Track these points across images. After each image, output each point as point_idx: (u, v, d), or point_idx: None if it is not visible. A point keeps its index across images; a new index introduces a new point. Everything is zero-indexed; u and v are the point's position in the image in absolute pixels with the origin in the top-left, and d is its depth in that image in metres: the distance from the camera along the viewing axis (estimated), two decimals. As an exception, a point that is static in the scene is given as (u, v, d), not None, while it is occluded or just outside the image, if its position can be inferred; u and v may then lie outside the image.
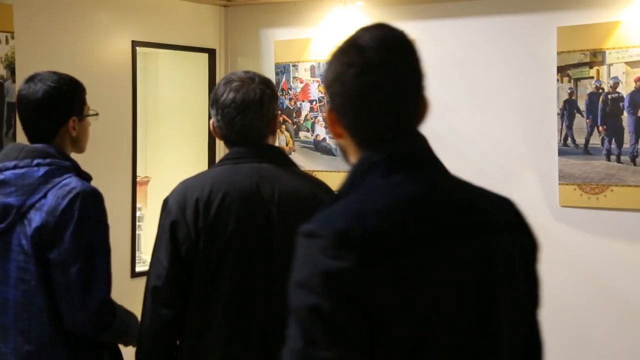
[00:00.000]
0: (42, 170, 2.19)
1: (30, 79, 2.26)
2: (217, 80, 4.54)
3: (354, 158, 1.32)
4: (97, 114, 2.37)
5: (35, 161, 2.20)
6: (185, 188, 2.05)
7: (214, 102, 2.11)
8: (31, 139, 2.28)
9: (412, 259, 1.18)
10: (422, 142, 1.33)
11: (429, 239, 1.21)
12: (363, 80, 1.26)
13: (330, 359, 1.12)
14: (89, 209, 2.18)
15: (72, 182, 2.19)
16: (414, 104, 1.32)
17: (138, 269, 4.24)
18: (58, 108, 2.26)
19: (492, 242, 1.28)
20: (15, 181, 2.19)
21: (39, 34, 3.69)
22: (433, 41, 3.97)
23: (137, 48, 4.23)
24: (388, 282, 1.15)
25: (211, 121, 2.16)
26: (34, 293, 2.17)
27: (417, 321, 1.17)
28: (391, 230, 1.17)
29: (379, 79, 1.26)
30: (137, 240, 4.30)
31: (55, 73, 2.28)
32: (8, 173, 2.20)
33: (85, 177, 2.30)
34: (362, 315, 1.13)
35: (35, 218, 2.16)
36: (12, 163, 2.21)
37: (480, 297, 1.25)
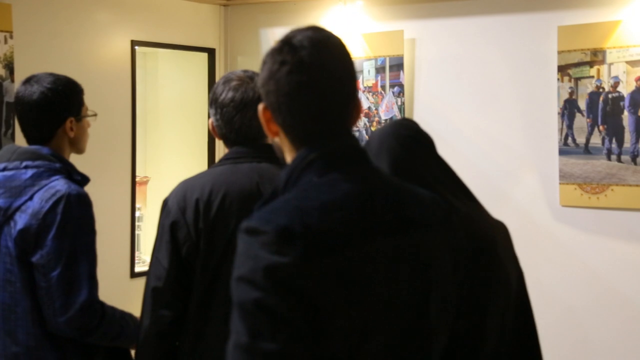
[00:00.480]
0: (30, 172, 2.19)
1: (28, 81, 2.26)
2: (217, 79, 4.53)
3: (289, 156, 1.35)
4: (95, 115, 2.36)
5: (24, 163, 2.20)
6: (185, 188, 2.04)
7: (213, 101, 2.10)
8: (29, 140, 2.27)
9: (350, 254, 1.22)
10: (355, 141, 1.35)
11: (366, 235, 1.25)
12: (296, 78, 1.28)
13: (275, 350, 1.15)
14: (73, 212, 2.15)
15: (58, 184, 2.17)
16: (347, 104, 1.34)
17: (137, 269, 4.24)
18: (54, 109, 2.25)
19: (423, 239, 1.32)
20: (4, 183, 2.19)
21: (38, 33, 3.68)
22: (433, 40, 3.97)
23: (137, 47, 4.23)
24: (329, 277, 1.19)
25: (210, 121, 2.15)
26: (20, 295, 2.16)
27: (358, 314, 1.21)
28: (331, 227, 1.22)
29: (311, 77, 1.28)
30: (136, 241, 4.29)
31: (52, 74, 2.27)
32: None
33: (79, 180, 2.28)
34: (306, 308, 1.17)
35: (20, 221, 2.15)
36: (2, 165, 2.20)
37: (414, 293, 1.29)
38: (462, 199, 1.78)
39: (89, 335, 2.16)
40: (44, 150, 2.22)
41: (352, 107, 1.35)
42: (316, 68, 1.28)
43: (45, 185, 2.17)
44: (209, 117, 2.16)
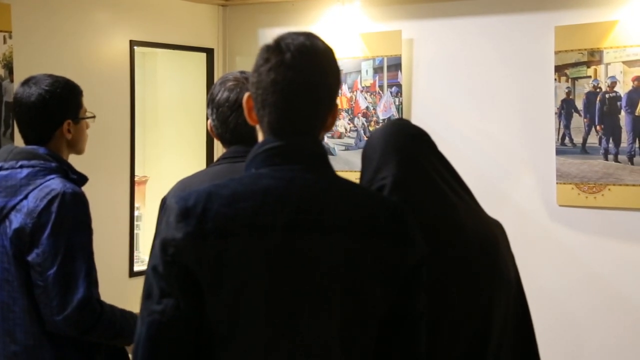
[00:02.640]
0: (25, 171, 2.19)
1: (26, 82, 2.26)
2: (215, 79, 4.54)
3: None
4: (93, 117, 2.36)
5: (20, 163, 2.21)
6: (183, 187, 2.05)
7: (210, 101, 2.11)
8: (26, 141, 2.28)
9: (237, 242, 1.31)
10: (312, 144, 1.42)
11: (260, 229, 1.32)
12: (273, 76, 1.38)
13: (157, 310, 1.32)
14: (68, 210, 2.15)
15: (53, 183, 2.18)
16: (316, 108, 1.41)
17: (136, 268, 4.25)
18: (52, 111, 2.25)
19: (327, 244, 1.34)
20: None
21: (37, 33, 3.69)
22: (431, 40, 3.98)
23: (135, 47, 4.23)
24: (212, 258, 1.31)
25: (208, 121, 2.16)
26: (17, 294, 2.16)
27: (232, 301, 1.32)
28: (228, 214, 1.32)
29: (286, 77, 1.37)
30: (135, 240, 4.30)
31: (51, 76, 2.27)
32: None
33: (76, 179, 2.28)
34: (188, 280, 1.31)
35: (15, 220, 2.15)
36: None
37: (300, 291, 1.33)
38: (463, 197, 1.79)
39: (87, 333, 2.15)
40: (41, 150, 2.23)
41: (324, 113, 1.42)
42: (293, 71, 1.37)
43: (41, 184, 2.17)
44: (207, 117, 2.17)
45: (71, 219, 2.16)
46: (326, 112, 1.43)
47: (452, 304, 1.67)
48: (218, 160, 2.12)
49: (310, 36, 1.42)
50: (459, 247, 1.70)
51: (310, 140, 1.41)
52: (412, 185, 1.71)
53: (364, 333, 1.38)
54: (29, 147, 2.25)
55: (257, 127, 1.45)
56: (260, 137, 1.44)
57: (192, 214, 1.32)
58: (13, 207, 2.17)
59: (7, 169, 2.21)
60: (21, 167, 2.20)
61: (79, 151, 2.36)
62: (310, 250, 1.34)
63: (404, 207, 1.46)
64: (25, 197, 2.17)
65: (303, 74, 1.38)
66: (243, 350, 1.33)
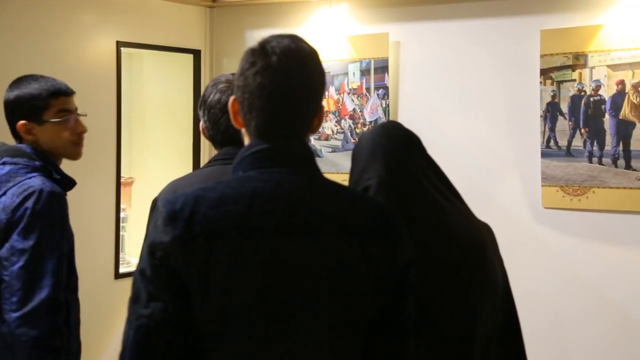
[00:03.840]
0: (7, 168, 2.21)
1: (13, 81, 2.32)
2: (202, 81, 4.54)
3: None
4: (63, 120, 2.32)
5: (3, 159, 2.23)
6: (174, 188, 2.05)
7: (202, 103, 2.11)
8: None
9: (224, 246, 1.31)
10: (299, 147, 1.42)
11: (247, 232, 1.32)
12: (259, 79, 1.38)
13: (145, 315, 1.30)
14: (42, 208, 2.15)
15: (33, 181, 2.18)
16: (303, 111, 1.42)
17: (122, 270, 4.23)
18: (8, 112, 2.32)
19: (316, 247, 1.34)
20: None
21: (23, 33, 3.67)
22: (418, 43, 3.99)
23: (122, 48, 4.22)
24: (199, 261, 1.30)
25: (200, 122, 2.16)
26: None
27: (218, 304, 1.31)
28: (216, 217, 1.32)
29: (273, 81, 1.38)
30: (121, 241, 4.29)
31: (30, 77, 2.35)
32: None
33: (60, 180, 2.28)
34: (177, 284, 1.30)
35: None
36: None
37: (291, 295, 1.33)
38: (451, 199, 1.79)
39: (48, 337, 2.07)
40: (28, 148, 2.24)
41: (310, 115, 1.43)
42: (279, 74, 1.38)
43: (20, 181, 2.18)
44: (194, 118, 2.17)
45: (45, 217, 2.15)
46: (313, 115, 1.44)
47: (437, 305, 1.68)
48: (209, 162, 2.12)
49: (295, 39, 1.42)
50: (444, 249, 1.71)
51: (297, 143, 1.42)
52: (398, 186, 1.71)
53: (354, 335, 1.38)
54: (17, 145, 2.27)
55: (243, 130, 1.45)
56: (246, 140, 1.44)
57: (179, 217, 1.31)
58: None
59: None
60: (4, 163, 2.22)
61: (54, 154, 2.33)
62: (299, 253, 1.33)
63: (391, 209, 1.46)
64: (4, 193, 2.18)
65: (289, 77, 1.38)
66: (232, 353, 1.32)
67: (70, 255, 2.29)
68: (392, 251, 1.40)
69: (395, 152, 1.77)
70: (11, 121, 2.31)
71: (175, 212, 1.32)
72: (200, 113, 2.12)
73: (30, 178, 2.19)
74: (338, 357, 1.36)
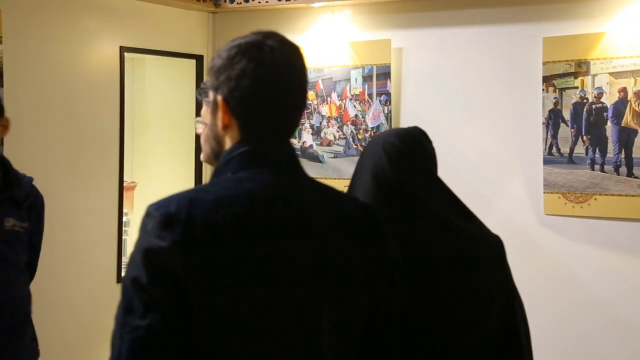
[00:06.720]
0: None
1: None
2: (205, 86, 4.54)
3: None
4: None
5: None
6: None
7: None
8: None
9: (226, 249, 1.25)
10: (287, 148, 1.39)
11: (248, 234, 1.27)
12: (251, 75, 1.33)
13: (142, 326, 1.21)
14: None
15: None
16: (294, 108, 1.40)
17: (124, 273, 4.23)
18: None
19: (317, 249, 1.32)
20: None
21: (28, 39, 3.69)
22: (420, 49, 4.00)
23: (125, 54, 4.24)
24: (201, 266, 1.23)
25: None
26: None
27: (225, 309, 1.24)
28: (214, 219, 1.25)
29: (264, 77, 1.34)
30: (123, 245, 4.29)
31: None
32: None
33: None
34: (177, 293, 1.22)
35: None
36: None
37: (294, 299, 1.29)
38: (443, 212, 1.77)
39: None
40: None
41: (300, 114, 1.41)
42: (272, 70, 1.34)
43: None
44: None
45: None
46: (302, 112, 1.42)
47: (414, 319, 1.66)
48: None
49: (278, 35, 1.39)
50: (423, 263, 1.69)
51: (285, 143, 1.39)
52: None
53: (352, 337, 1.37)
54: None
55: (221, 132, 1.39)
56: (229, 140, 1.39)
57: (176, 220, 1.24)
58: None
59: None
60: None
61: None
62: (300, 255, 1.31)
63: (375, 209, 1.45)
64: None
65: (282, 73, 1.36)
66: (235, 358, 1.27)
67: None
68: (381, 251, 1.39)
69: (384, 162, 1.76)
70: None
71: (171, 216, 1.24)
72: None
73: None
74: None
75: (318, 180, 1.46)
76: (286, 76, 1.36)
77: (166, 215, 1.24)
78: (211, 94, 1.41)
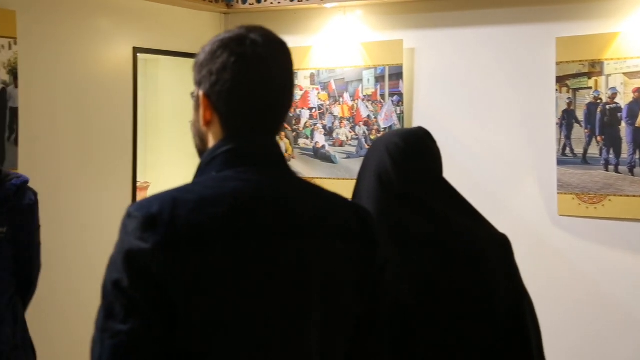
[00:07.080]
0: None
1: None
2: (218, 87, 4.56)
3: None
4: None
5: None
6: None
7: None
8: None
9: (210, 250, 1.20)
10: (272, 146, 1.35)
11: (233, 234, 1.23)
12: (237, 70, 1.30)
13: (124, 331, 1.16)
14: None
15: None
16: (281, 104, 1.36)
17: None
18: None
19: (304, 249, 1.28)
20: None
21: (42, 40, 3.71)
22: (432, 51, 3.99)
23: (138, 54, 4.25)
24: (184, 268, 1.18)
25: None
26: None
27: (210, 310, 1.20)
28: (198, 220, 1.21)
29: (251, 72, 1.30)
30: (136, 246, 4.31)
31: None
32: None
33: None
34: (160, 296, 1.17)
35: None
36: None
37: (282, 300, 1.25)
38: (447, 212, 1.76)
39: None
40: None
41: (287, 111, 1.38)
42: (258, 65, 1.31)
43: None
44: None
45: None
46: (289, 108, 1.38)
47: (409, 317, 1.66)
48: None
49: (264, 28, 1.36)
50: (427, 262, 1.69)
51: (270, 140, 1.35)
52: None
53: (341, 338, 1.35)
54: None
55: (204, 129, 1.37)
56: (212, 137, 1.35)
57: (159, 221, 1.19)
58: None
59: None
60: None
61: None
62: (287, 256, 1.27)
63: (366, 209, 1.43)
64: None
65: (269, 68, 1.32)
66: None
67: None
68: (371, 251, 1.37)
69: (385, 162, 1.75)
70: None
71: (154, 217, 1.20)
72: None
73: None
74: None
75: (331, 180, 1.44)
76: (268, 71, 1.32)
77: (148, 216, 1.20)
78: (195, 90, 1.38)
